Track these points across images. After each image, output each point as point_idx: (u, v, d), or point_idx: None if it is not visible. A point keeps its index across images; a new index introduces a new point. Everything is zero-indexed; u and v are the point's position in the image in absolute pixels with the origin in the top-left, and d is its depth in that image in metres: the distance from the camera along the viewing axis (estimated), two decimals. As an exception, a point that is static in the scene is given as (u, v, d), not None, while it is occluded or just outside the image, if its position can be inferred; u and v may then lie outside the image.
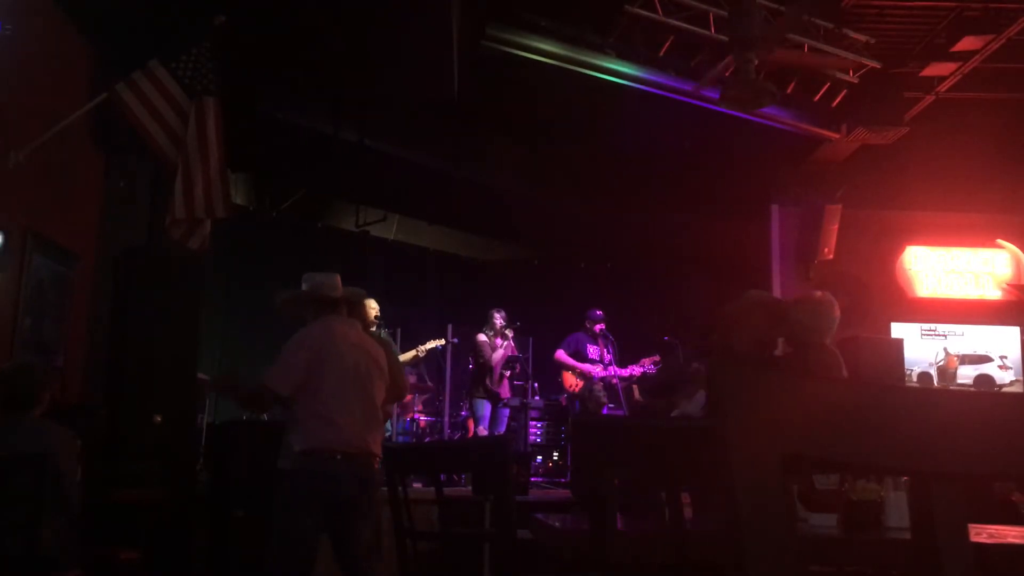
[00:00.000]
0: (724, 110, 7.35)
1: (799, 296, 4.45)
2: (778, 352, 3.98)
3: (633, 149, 8.58)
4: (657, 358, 8.93)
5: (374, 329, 5.30)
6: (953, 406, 0.82)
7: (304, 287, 4.24)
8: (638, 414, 7.26)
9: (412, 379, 8.50)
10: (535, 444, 8.58)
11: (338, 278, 4.29)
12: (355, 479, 3.93)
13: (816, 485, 2.73)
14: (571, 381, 8.75)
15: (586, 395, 8.56)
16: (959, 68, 7.12)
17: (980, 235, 8.97)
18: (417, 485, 5.96)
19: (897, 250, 8.96)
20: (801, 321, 3.84)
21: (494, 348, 8.63)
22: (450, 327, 9.11)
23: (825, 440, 0.78)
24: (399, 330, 8.34)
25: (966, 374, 8.59)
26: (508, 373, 8.76)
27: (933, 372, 8.53)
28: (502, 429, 8.48)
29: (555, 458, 8.56)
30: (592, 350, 8.79)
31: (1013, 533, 2.69)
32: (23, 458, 3.66)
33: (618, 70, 7.12)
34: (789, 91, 7.43)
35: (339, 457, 3.91)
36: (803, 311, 3.88)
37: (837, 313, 3.97)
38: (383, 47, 6.49)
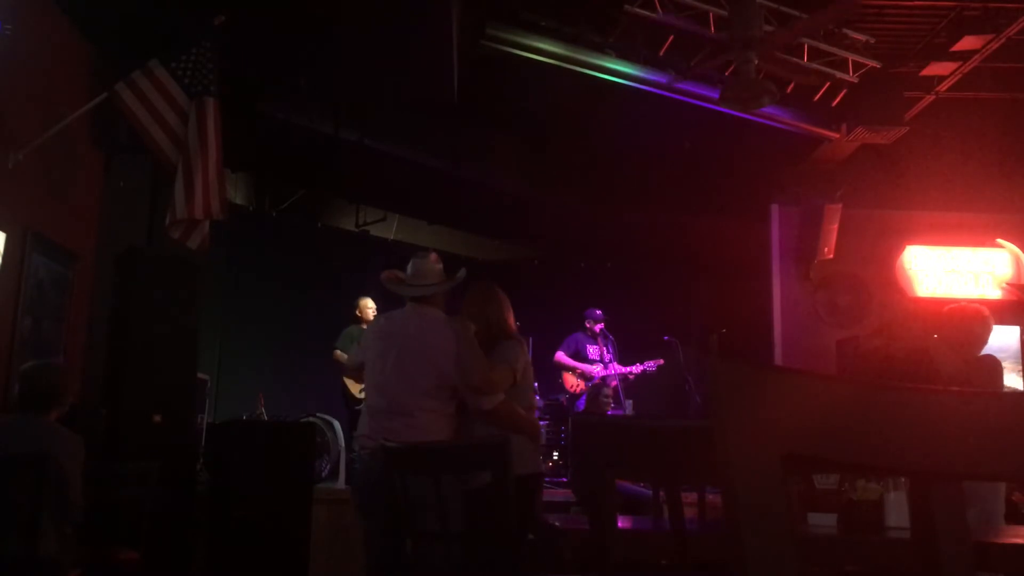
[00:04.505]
0: (724, 110, 7.35)
1: (948, 310, 4.67)
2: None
3: (633, 149, 8.58)
4: (662, 362, 8.91)
5: None
6: (953, 406, 0.82)
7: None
8: None
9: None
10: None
11: (425, 266, 4.16)
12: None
13: (816, 485, 2.74)
14: (572, 382, 8.73)
15: (592, 396, 8.53)
16: (959, 68, 7.12)
17: (980, 235, 8.96)
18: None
19: (897, 250, 8.96)
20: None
21: (494, 348, 8.62)
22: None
23: (825, 440, 0.78)
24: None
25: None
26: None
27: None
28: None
29: (555, 458, 8.54)
30: (592, 350, 8.77)
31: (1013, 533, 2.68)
32: (24, 459, 3.66)
33: (618, 70, 7.12)
34: (789, 91, 7.42)
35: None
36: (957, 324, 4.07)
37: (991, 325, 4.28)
38: (383, 47, 6.49)
